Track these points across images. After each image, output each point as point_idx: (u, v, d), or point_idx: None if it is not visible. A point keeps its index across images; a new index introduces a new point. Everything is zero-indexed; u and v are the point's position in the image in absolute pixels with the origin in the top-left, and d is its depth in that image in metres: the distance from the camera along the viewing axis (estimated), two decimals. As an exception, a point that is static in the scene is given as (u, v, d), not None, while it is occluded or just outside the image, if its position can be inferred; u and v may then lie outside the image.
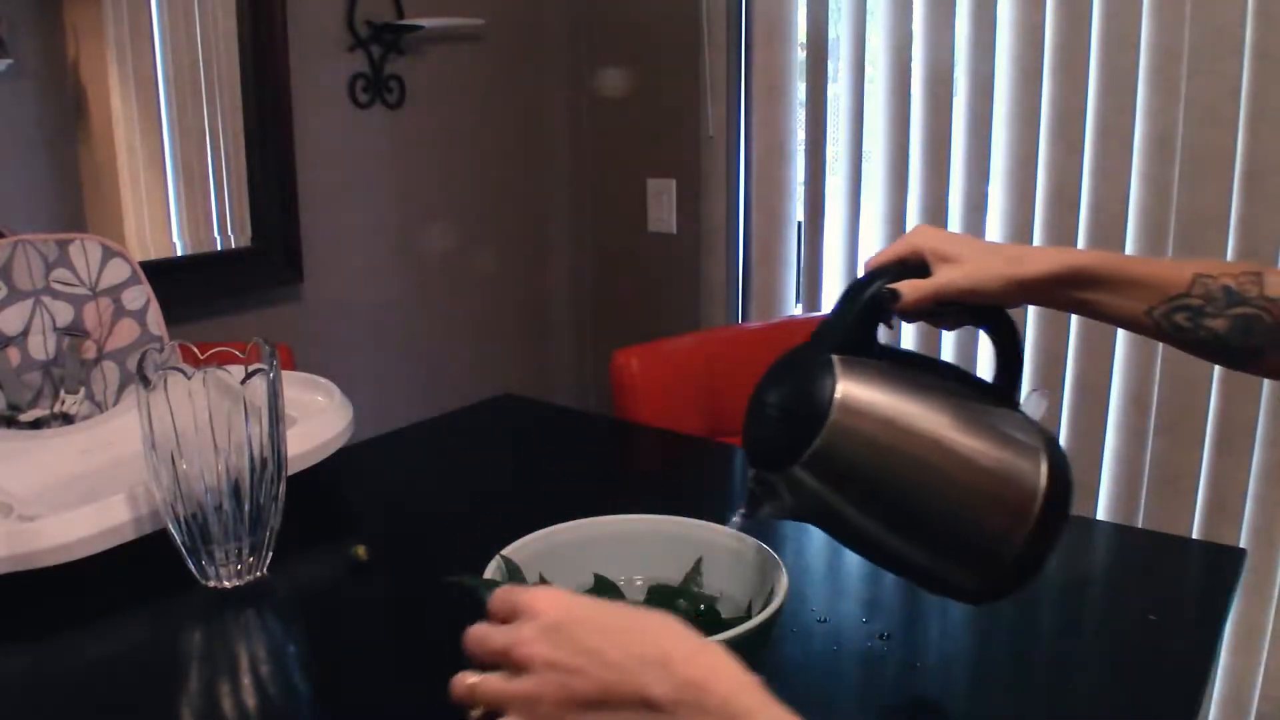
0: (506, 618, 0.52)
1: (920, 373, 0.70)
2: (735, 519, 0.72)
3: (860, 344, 0.70)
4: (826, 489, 0.66)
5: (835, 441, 0.65)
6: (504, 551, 0.73)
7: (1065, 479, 0.68)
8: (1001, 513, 0.66)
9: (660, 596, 0.75)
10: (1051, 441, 0.70)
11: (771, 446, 0.68)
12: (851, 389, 0.66)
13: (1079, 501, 2.07)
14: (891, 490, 0.66)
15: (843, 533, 0.70)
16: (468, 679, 0.52)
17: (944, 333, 0.86)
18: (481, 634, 0.52)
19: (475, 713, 0.51)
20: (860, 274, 0.74)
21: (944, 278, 0.71)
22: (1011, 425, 0.69)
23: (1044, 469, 0.67)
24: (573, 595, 0.52)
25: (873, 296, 0.71)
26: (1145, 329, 0.73)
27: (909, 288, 0.71)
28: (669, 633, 0.49)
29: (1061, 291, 0.72)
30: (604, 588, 0.77)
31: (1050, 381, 1.88)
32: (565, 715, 0.48)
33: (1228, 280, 0.70)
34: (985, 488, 0.66)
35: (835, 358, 0.67)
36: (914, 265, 0.73)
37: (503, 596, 0.53)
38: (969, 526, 0.66)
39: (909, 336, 1.99)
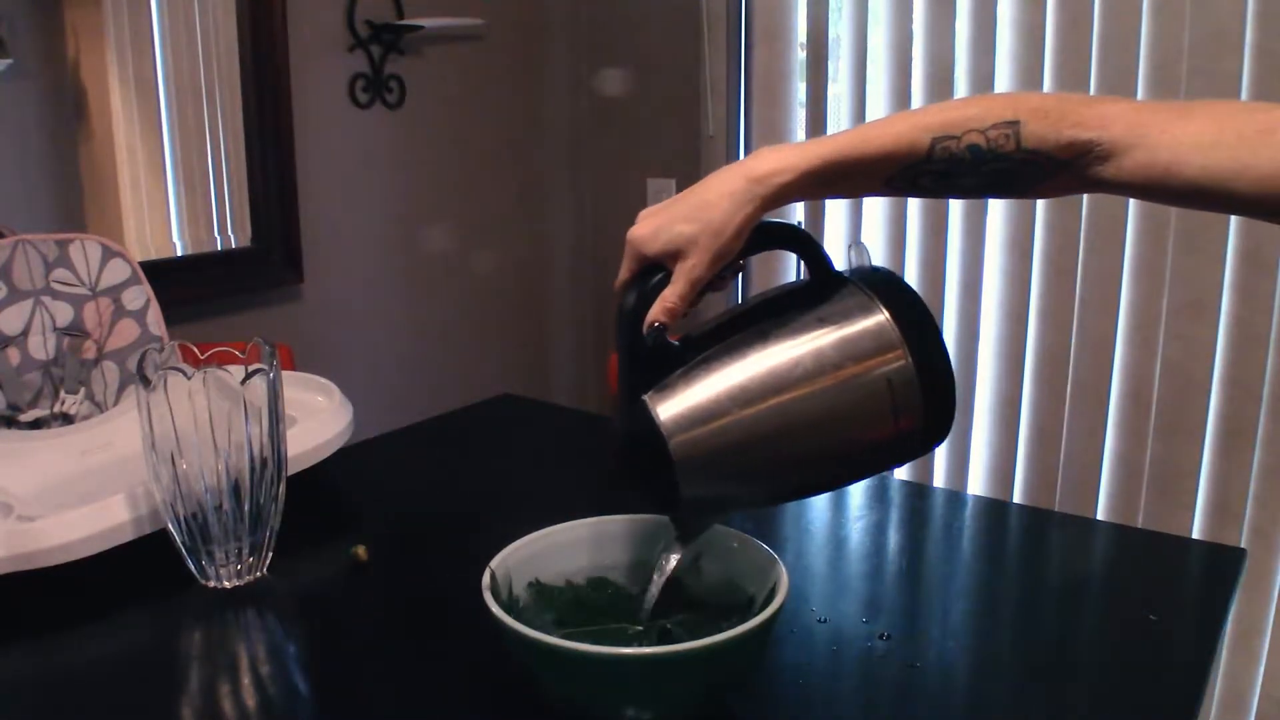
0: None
1: (725, 341, 0.68)
2: (672, 558, 0.70)
3: (659, 367, 0.67)
4: (721, 491, 0.66)
5: (689, 458, 0.64)
6: (512, 545, 0.73)
7: (915, 317, 0.66)
8: (879, 402, 0.65)
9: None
10: (884, 288, 0.67)
11: (659, 497, 0.68)
12: (668, 411, 0.64)
13: (1079, 500, 2.06)
14: (770, 451, 0.65)
15: (767, 503, 0.70)
16: None
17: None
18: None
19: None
20: (632, 300, 0.69)
21: (685, 279, 0.67)
22: (838, 310, 0.67)
23: (891, 325, 0.65)
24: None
25: (641, 345, 0.67)
26: (887, 194, 0.70)
27: (665, 314, 0.67)
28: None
29: (791, 200, 0.68)
30: (600, 586, 0.77)
31: (1051, 381, 1.88)
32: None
33: (975, 139, 0.65)
34: (847, 393, 0.65)
35: (645, 398, 0.66)
36: (654, 269, 0.69)
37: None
38: (859, 433, 0.66)
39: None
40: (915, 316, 0.66)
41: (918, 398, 0.65)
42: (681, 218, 0.68)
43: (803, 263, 0.72)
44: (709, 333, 0.69)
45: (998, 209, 1.89)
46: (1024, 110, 0.65)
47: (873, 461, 0.69)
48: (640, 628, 0.72)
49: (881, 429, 0.66)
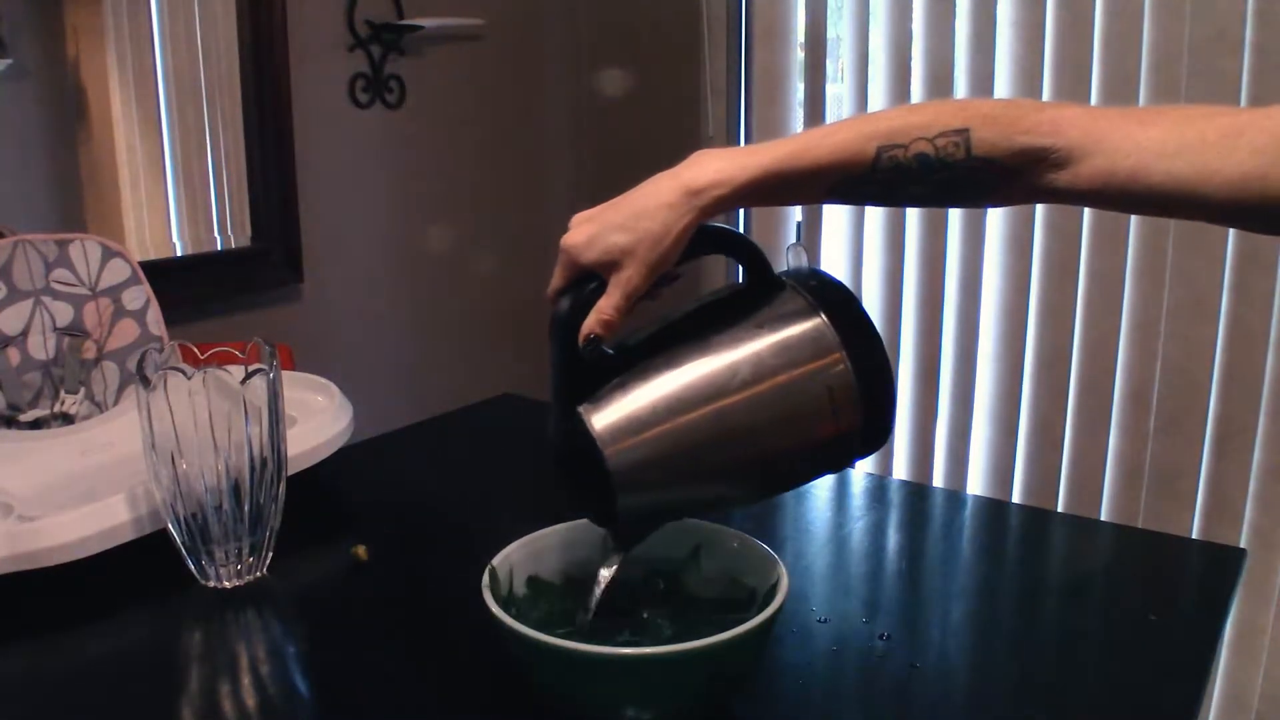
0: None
1: (663, 346, 0.66)
2: (610, 568, 0.69)
3: (595, 377, 0.66)
4: (659, 500, 0.65)
5: (624, 467, 0.63)
6: (513, 545, 0.73)
7: (852, 319, 0.65)
8: (819, 406, 0.63)
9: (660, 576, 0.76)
10: (821, 292, 0.66)
11: (595, 508, 0.68)
12: (602, 421, 0.64)
13: (1080, 500, 2.06)
14: (707, 459, 0.64)
15: (713, 510, 0.70)
16: None
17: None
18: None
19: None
20: (565, 309, 0.69)
21: (620, 291, 0.65)
22: (776, 315, 0.65)
23: (830, 329, 0.64)
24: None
25: (576, 359, 0.67)
26: (831, 203, 0.68)
27: (602, 326, 0.65)
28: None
29: (734, 208, 0.67)
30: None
31: (1051, 381, 1.88)
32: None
33: (922, 148, 0.63)
34: (786, 398, 0.63)
35: (580, 409, 0.65)
36: (589, 279, 0.68)
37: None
38: (807, 443, 0.65)
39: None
40: (853, 319, 0.65)
41: (858, 402, 0.64)
42: (617, 226, 0.66)
43: (740, 266, 0.70)
44: (645, 340, 0.68)
45: (997, 208, 1.89)
46: (974, 117, 0.63)
47: (813, 467, 0.69)
48: (644, 615, 0.72)
49: (821, 434, 0.64)
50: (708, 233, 0.68)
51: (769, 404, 0.64)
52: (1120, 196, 0.62)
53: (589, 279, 0.67)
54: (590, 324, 0.66)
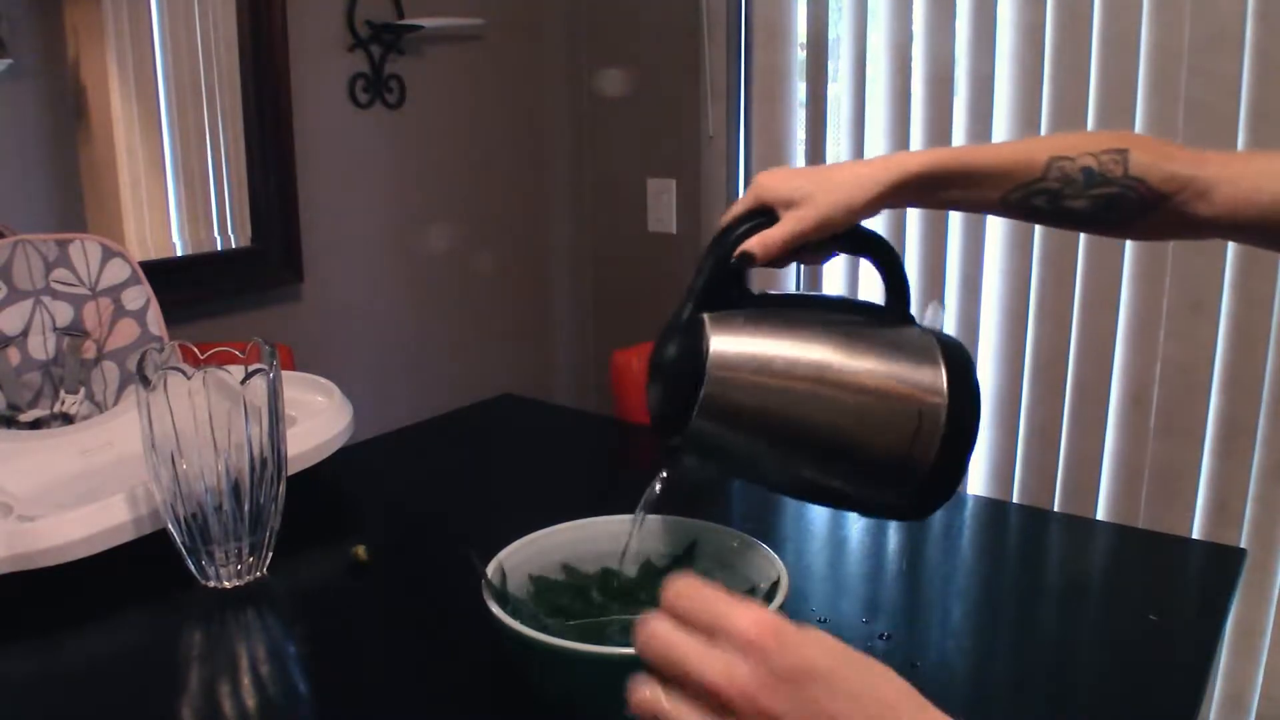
0: (703, 628, 0.41)
1: (798, 311, 0.70)
2: (656, 485, 0.72)
3: (729, 299, 0.70)
4: (724, 440, 0.67)
5: (717, 395, 0.65)
6: (514, 545, 0.73)
7: (967, 384, 0.67)
8: (904, 435, 0.65)
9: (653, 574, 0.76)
10: (948, 350, 0.69)
11: (664, 412, 0.69)
12: (722, 346, 0.66)
13: (1079, 500, 2.05)
14: (787, 427, 0.66)
15: (758, 477, 0.71)
16: (656, 693, 0.41)
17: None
18: (675, 645, 0.41)
19: None
20: (737, 225, 0.73)
21: (790, 224, 0.70)
22: (903, 343, 0.68)
23: (945, 380, 0.66)
24: (799, 630, 0.41)
25: (732, 266, 0.70)
26: (995, 212, 0.73)
27: (759, 246, 0.70)
28: (908, 700, 0.42)
29: (910, 196, 0.72)
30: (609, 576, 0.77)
31: (1051, 381, 1.88)
32: None
33: (1088, 161, 0.69)
34: (882, 413, 0.66)
35: (706, 317, 0.67)
36: (765, 214, 0.72)
37: (698, 598, 0.42)
38: (874, 453, 0.66)
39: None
40: (967, 382, 0.67)
41: (938, 442, 0.65)
42: (808, 176, 0.72)
43: (884, 285, 0.74)
44: (782, 299, 0.72)
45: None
46: (1132, 141, 0.69)
47: (864, 483, 0.69)
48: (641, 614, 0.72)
49: (892, 449, 0.66)
50: (872, 238, 0.73)
51: (864, 398, 0.66)
52: (1242, 220, 0.68)
53: (765, 214, 0.72)
54: (751, 243, 0.70)
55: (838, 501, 0.72)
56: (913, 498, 0.67)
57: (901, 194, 0.71)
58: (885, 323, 0.71)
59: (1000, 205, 0.72)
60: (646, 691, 0.41)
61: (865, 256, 0.74)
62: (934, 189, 0.71)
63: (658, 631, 0.42)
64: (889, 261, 0.73)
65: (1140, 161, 0.68)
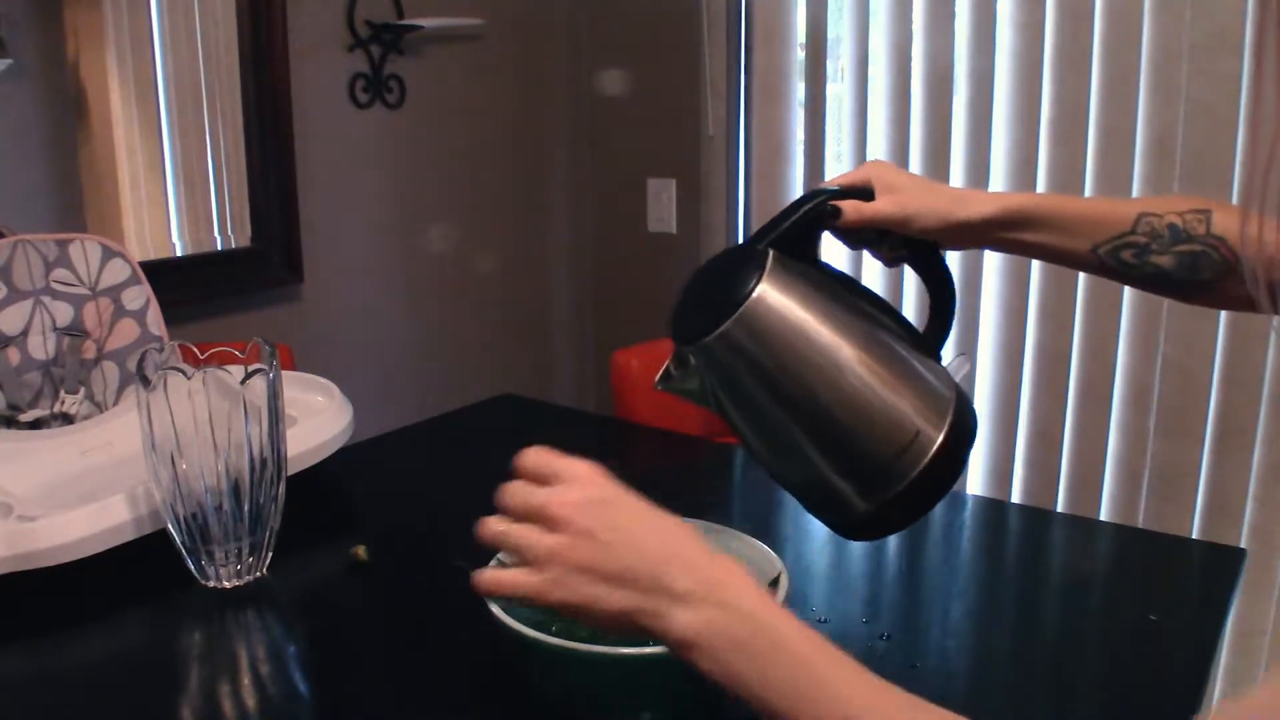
0: (543, 480, 0.56)
1: (850, 294, 0.71)
2: (658, 386, 0.73)
3: (799, 248, 0.71)
4: (727, 374, 0.68)
5: (741, 331, 0.66)
6: (499, 555, 0.73)
7: (966, 432, 0.68)
8: (892, 445, 0.66)
9: None
10: (963, 397, 0.70)
11: (687, 324, 0.69)
12: (773, 287, 0.67)
13: (1080, 500, 2.05)
14: (790, 390, 0.67)
15: (739, 423, 0.71)
16: (498, 525, 0.55)
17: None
18: (519, 489, 0.56)
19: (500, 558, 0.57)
20: (834, 183, 0.75)
21: (886, 205, 0.72)
22: (927, 370, 0.69)
23: (949, 418, 0.67)
24: (610, 477, 0.57)
25: (816, 209, 0.72)
26: (1088, 266, 0.74)
27: (850, 207, 0.72)
28: (692, 537, 0.54)
29: (1002, 233, 0.73)
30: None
31: (1051, 381, 1.88)
32: (578, 580, 0.52)
33: (1174, 219, 0.71)
34: (880, 415, 0.66)
35: (772, 253, 0.68)
36: (863, 191, 0.74)
37: (541, 459, 0.57)
38: (856, 448, 0.67)
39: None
40: (968, 433, 0.69)
41: (921, 466, 0.66)
42: (918, 179, 0.75)
43: (930, 317, 0.75)
44: (841, 276, 0.73)
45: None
46: (1215, 204, 0.71)
47: (840, 478, 0.69)
48: None
49: (878, 449, 0.67)
50: (938, 263, 0.75)
51: (877, 396, 0.67)
52: None
53: (862, 194, 0.74)
54: (845, 202, 0.72)
55: (800, 483, 0.72)
56: (872, 508, 0.68)
57: (996, 227, 0.73)
58: (920, 348, 0.71)
59: (1090, 255, 0.73)
60: (495, 524, 0.56)
61: (927, 280, 0.75)
62: (1028, 228, 0.73)
63: (509, 485, 0.57)
64: (944, 298, 0.75)
65: (1221, 221, 0.70)
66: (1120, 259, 0.72)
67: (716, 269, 0.73)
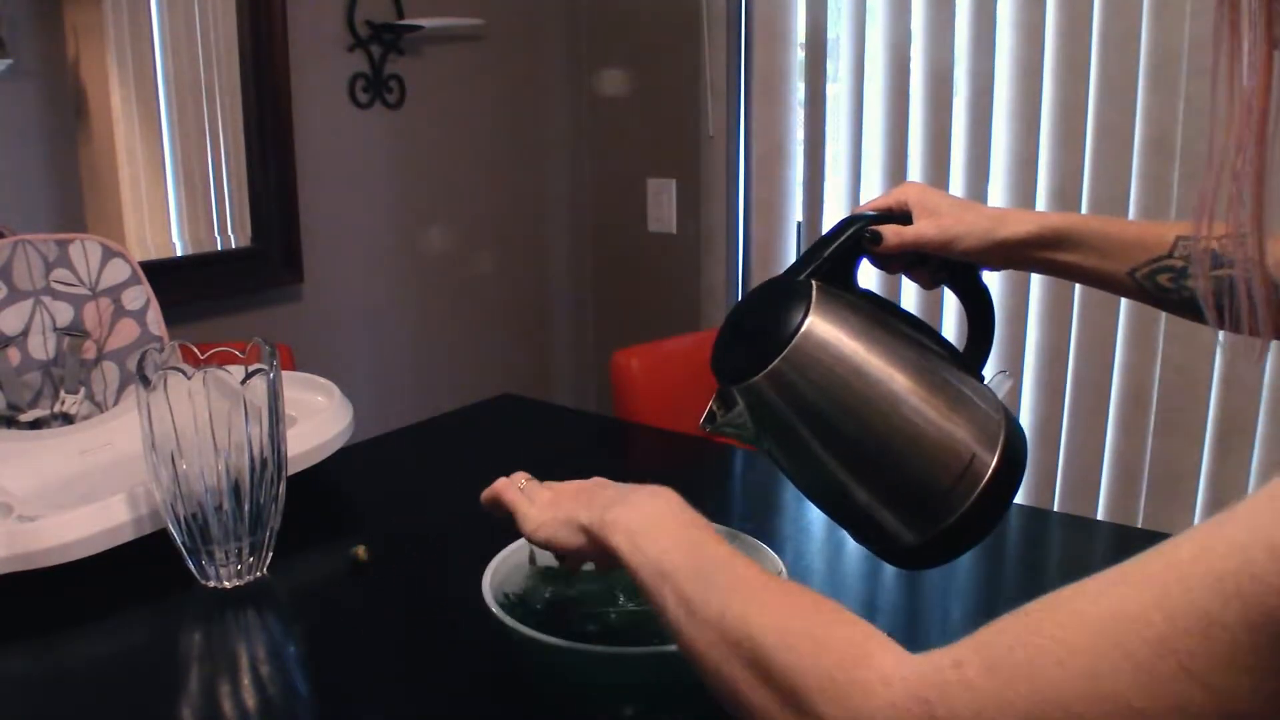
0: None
1: (893, 319, 0.70)
2: (704, 427, 0.72)
3: (839, 277, 0.71)
4: (777, 411, 0.67)
5: (791, 368, 0.65)
6: (514, 545, 0.74)
7: (1019, 456, 0.67)
8: (948, 473, 0.65)
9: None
10: (1012, 420, 0.69)
11: (733, 363, 0.69)
12: (820, 320, 0.66)
13: (1079, 500, 2.05)
14: (845, 424, 0.66)
15: (790, 461, 0.70)
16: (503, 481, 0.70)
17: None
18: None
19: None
20: (872, 210, 0.75)
21: (926, 228, 0.72)
22: (975, 393, 0.69)
23: (1001, 442, 0.66)
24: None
25: (855, 234, 0.72)
26: (1126, 290, 0.73)
27: (891, 232, 0.72)
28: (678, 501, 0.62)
29: (1041, 253, 0.73)
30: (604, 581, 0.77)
31: (1051, 381, 1.88)
32: (564, 506, 0.65)
33: (1211, 243, 0.70)
34: (935, 444, 0.66)
35: (815, 284, 0.68)
36: (900, 215, 0.73)
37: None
38: (912, 479, 0.66)
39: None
40: (1019, 456, 0.68)
41: (976, 492, 0.65)
42: (954, 199, 0.74)
43: (969, 337, 0.75)
44: (882, 302, 0.72)
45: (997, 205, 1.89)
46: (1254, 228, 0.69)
47: (896, 509, 0.68)
48: (634, 608, 0.71)
49: (934, 478, 0.66)
50: (978, 285, 0.76)
51: (926, 419, 0.66)
52: None
53: (899, 218, 0.74)
54: (885, 227, 0.72)
55: (854, 515, 0.71)
56: (929, 537, 0.67)
57: (1035, 246, 0.72)
58: (965, 369, 0.71)
59: (1127, 278, 0.73)
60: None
61: (966, 302, 0.75)
62: (1067, 248, 0.72)
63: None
64: (984, 316, 0.75)
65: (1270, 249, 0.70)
66: (1157, 283, 0.71)
67: (757, 303, 0.72)
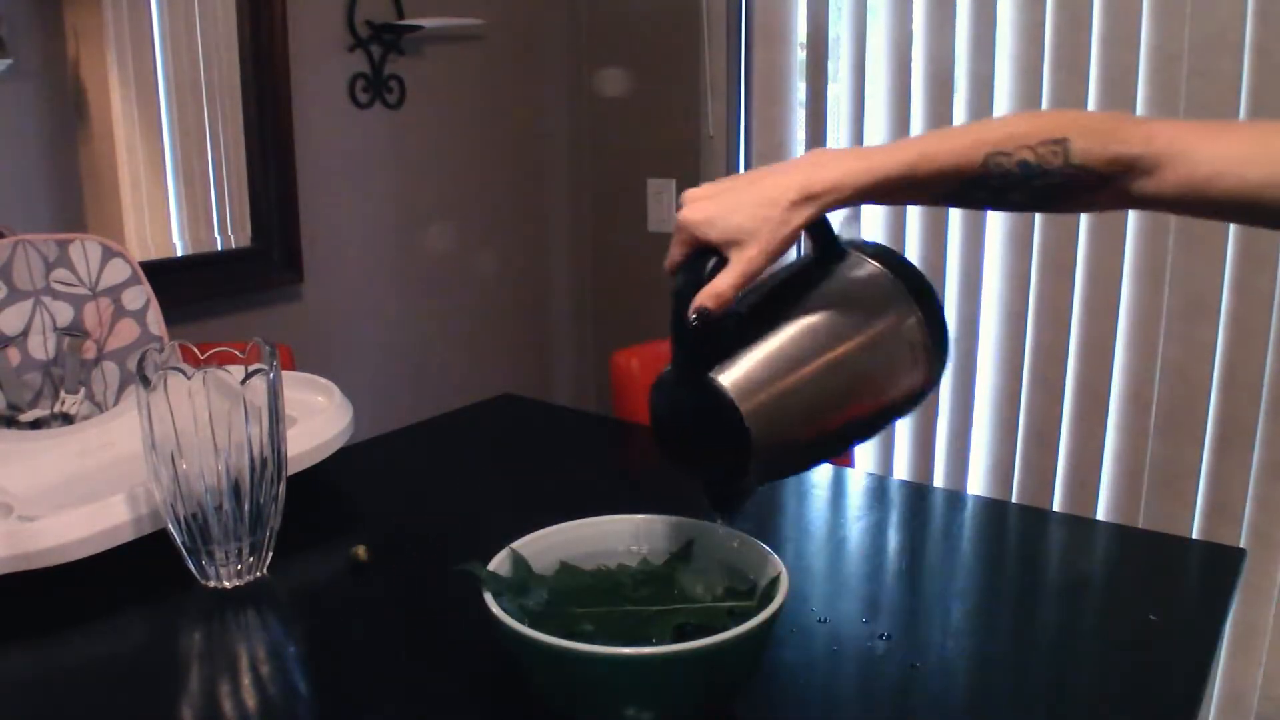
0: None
1: (773, 312, 0.72)
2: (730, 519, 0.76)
3: (712, 351, 0.69)
4: (787, 453, 0.71)
5: (763, 426, 0.68)
6: (514, 545, 0.74)
7: (920, 280, 0.74)
8: (905, 357, 0.72)
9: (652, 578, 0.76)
10: (882, 256, 0.74)
11: (726, 492, 0.74)
12: (734, 380, 0.68)
13: (1079, 500, 2.05)
14: (827, 412, 0.71)
15: (816, 459, 0.78)
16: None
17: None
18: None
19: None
20: (684, 283, 0.71)
21: (745, 267, 0.68)
22: (855, 284, 0.73)
23: (905, 292, 0.73)
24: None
25: (692, 324, 0.69)
26: (943, 205, 0.76)
27: (713, 300, 0.68)
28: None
29: (850, 206, 0.71)
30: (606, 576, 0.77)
31: (1050, 381, 1.88)
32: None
33: (1025, 155, 0.68)
34: (882, 356, 0.72)
35: (711, 375, 0.68)
36: (709, 252, 0.70)
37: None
38: (894, 384, 0.73)
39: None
40: (918, 282, 0.74)
41: (929, 346, 0.72)
42: (737, 209, 0.69)
43: (810, 240, 0.77)
44: (747, 309, 0.72)
45: (998, 209, 1.89)
46: (1072, 128, 0.68)
47: (894, 406, 0.75)
48: (629, 607, 0.72)
49: (906, 378, 0.73)
50: (830, 234, 0.76)
51: (869, 355, 0.71)
52: (1198, 201, 0.67)
53: (707, 255, 0.70)
54: (704, 297, 0.68)
55: (882, 426, 0.78)
56: (930, 383, 0.75)
57: (832, 210, 0.70)
58: (833, 271, 0.74)
59: (941, 202, 0.73)
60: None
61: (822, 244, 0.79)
62: (869, 200, 0.71)
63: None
64: (818, 226, 0.76)
65: (1081, 149, 0.67)
66: (974, 198, 0.71)
67: (678, 408, 0.72)
